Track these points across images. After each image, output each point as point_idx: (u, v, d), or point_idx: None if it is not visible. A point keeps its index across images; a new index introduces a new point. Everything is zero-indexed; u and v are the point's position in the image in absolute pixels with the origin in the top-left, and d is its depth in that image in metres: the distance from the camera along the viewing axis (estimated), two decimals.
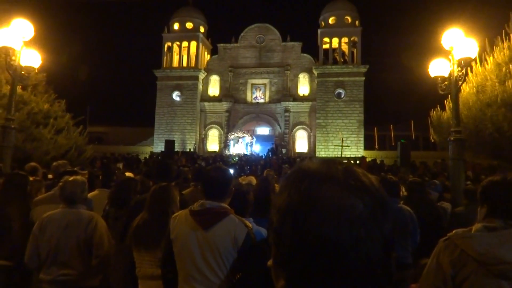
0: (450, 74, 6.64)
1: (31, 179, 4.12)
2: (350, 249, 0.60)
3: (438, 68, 6.96)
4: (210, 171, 2.45)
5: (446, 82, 6.79)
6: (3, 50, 7.04)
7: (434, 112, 12.29)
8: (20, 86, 8.27)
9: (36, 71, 7.93)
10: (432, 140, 13.63)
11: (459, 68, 6.44)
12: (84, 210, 3.18)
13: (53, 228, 3.05)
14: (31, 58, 7.30)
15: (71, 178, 3.20)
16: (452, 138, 6.40)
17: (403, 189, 5.40)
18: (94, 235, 3.08)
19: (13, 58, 6.99)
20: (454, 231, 1.78)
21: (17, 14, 7.40)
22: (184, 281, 2.24)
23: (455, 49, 6.49)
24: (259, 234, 2.41)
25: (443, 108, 11.53)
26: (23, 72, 7.17)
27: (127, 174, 6.24)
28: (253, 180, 5.51)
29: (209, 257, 2.18)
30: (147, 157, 23.93)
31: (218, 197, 2.31)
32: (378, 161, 20.84)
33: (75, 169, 5.29)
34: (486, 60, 9.36)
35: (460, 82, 6.56)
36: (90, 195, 3.99)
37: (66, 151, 12.02)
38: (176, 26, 35.01)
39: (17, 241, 3.46)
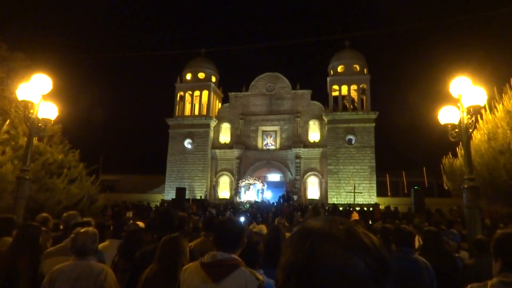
0: (460, 122, 6.67)
1: (44, 229, 4.14)
2: None
3: (447, 115, 7.01)
4: (223, 222, 2.46)
5: (456, 129, 6.81)
6: (22, 103, 7.31)
7: (446, 159, 12.21)
8: (36, 138, 8.51)
9: (52, 122, 8.19)
10: (446, 188, 13.43)
11: (469, 116, 6.47)
12: (94, 262, 3.17)
13: (63, 281, 3.02)
14: (48, 111, 7.55)
15: (82, 230, 3.22)
16: (465, 186, 6.31)
17: (419, 239, 5.27)
18: (104, 287, 3.05)
19: (31, 111, 7.24)
20: (469, 286, 1.74)
21: (37, 68, 7.78)
22: None
23: (464, 97, 6.56)
24: (269, 286, 2.37)
25: (455, 155, 11.47)
26: (40, 124, 7.40)
27: (138, 223, 6.23)
28: (263, 228, 5.44)
29: None
30: (158, 205, 23.89)
31: (230, 249, 2.31)
32: (392, 208, 20.46)
33: (85, 219, 5.30)
34: (496, 108, 9.41)
35: (470, 130, 6.57)
36: (100, 246, 3.98)
37: (79, 201, 12.11)
38: (188, 76, 36.17)
39: None
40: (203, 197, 30.16)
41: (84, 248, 3.13)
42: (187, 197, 25.62)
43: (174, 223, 3.97)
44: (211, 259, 2.26)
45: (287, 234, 5.40)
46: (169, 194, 30.85)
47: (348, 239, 0.67)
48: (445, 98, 7.43)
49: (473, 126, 6.55)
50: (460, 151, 10.14)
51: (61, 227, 5.99)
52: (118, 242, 4.47)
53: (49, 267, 3.29)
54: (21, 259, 3.55)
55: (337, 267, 0.63)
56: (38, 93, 7.27)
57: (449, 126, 6.94)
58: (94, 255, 3.27)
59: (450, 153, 11.85)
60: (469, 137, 6.81)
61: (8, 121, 10.35)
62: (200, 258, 2.36)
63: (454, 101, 6.90)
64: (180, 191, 22.03)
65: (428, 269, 3.88)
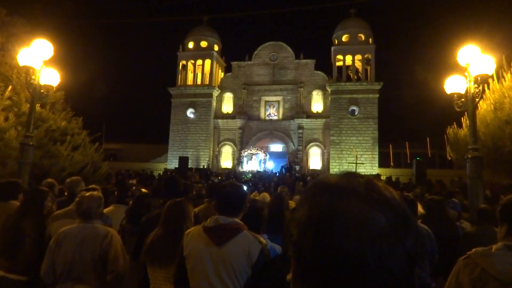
0: (466, 91, 6.59)
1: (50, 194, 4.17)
2: (371, 264, 0.59)
3: (454, 85, 6.91)
4: (225, 186, 2.46)
5: (462, 99, 6.73)
6: (24, 69, 7.25)
7: (451, 129, 12.14)
8: (39, 104, 8.48)
9: (55, 89, 8.14)
10: (449, 158, 13.43)
11: (476, 85, 6.38)
12: (100, 225, 3.21)
13: (69, 243, 3.08)
14: (50, 77, 7.49)
15: (87, 194, 3.25)
16: (469, 156, 6.30)
17: (420, 208, 5.31)
18: (109, 250, 3.10)
19: (33, 77, 7.18)
20: (474, 250, 1.75)
21: (38, 34, 7.65)
22: None
23: (471, 66, 6.45)
24: (273, 250, 2.39)
25: (460, 125, 11.39)
26: (42, 91, 7.36)
27: (142, 190, 6.29)
28: (267, 197, 5.49)
29: (223, 274, 2.16)
30: (161, 173, 24.09)
31: (232, 213, 2.31)
32: (393, 179, 20.57)
33: (92, 187, 5.35)
34: (503, 77, 9.26)
35: (477, 99, 6.49)
36: (105, 210, 4.03)
37: (82, 168, 12.20)
38: (191, 44, 35.64)
39: (31, 256, 3.50)
40: (205, 167, 30.38)
41: (90, 212, 3.16)
42: (189, 166, 25.82)
43: (179, 188, 4.00)
44: (213, 223, 2.27)
45: (290, 202, 5.46)
46: (172, 163, 31.08)
47: (368, 193, 0.64)
48: (452, 67, 7.32)
49: (479, 96, 6.47)
50: (465, 121, 10.07)
51: (66, 193, 6.07)
52: (123, 207, 4.53)
53: (56, 229, 3.34)
54: (27, 222, 3.60)
55: (357, 222, 0.61)
56: (39, 59, 7.19)
57: (455, 95, 6.87)
58: (100, 219, 3.31)
59: (454, 123, 11.76)
60: (475, 106, 6.74)
61: (10, 87, 10.30)
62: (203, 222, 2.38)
63: (461, 70, 6.78)
64: (183, 160, 22.18)
65: (429, 236, 3.92)
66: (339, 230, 0.61)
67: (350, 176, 0.69)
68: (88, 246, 3.08)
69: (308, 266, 0.64)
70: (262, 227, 2.77)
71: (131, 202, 4.35)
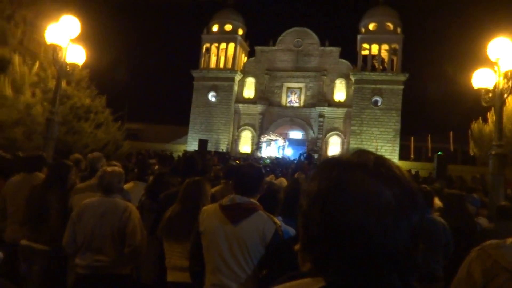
0: (495, 86, 6.41)
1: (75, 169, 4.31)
2: (376, 236, 0.61)
3: (482, 79, 6.73)
4: (243, 166, 2.50)
5: (490, 94, 6.55)
6: (51, 47, 7.40)
7: (476, 124, 11.84)
8: (64, 81, 8.66)
9: (80, 67, 8.29)
10: (472, 154, 13.13)
11: (506, 80, 6.20)
12: (120, 200, 3.31)
13: (90, 215, 3.19)
14: (76, 55, 7.62)
15: (109, 169, 3.34)
16: (493, 152, 6.17)
17: (437, 201, 5.26)
18: (128, 224, 3.19)
19: (60, 54, 7.33)
20: (488, 242, 1.74)
21: (65, 11, 7.77)
22: (211, 273, 2.29)
23: (502, 60, 6.26)
24: (287, 232, 2.43)
25: (485, 120, 11.10)
26: (68, 68, 7.51)
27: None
28: (284, 181, 5.53)
29: (237, 252, 2.22)
30: (180, 155, 24.36)
31: (249, 193, 2.35)
32: (413, 172, 20.29)
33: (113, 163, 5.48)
34: None
35: (505, 95, 6.31)
36: (125, 187, 4.13)
37: (105, 145, 12.48)
38: (215, 28, 35.56)
39: (55, 227, 3.64)
40: (224, 150, 30.54)
41: (111, 186, 3.26)
42: (209, 149, 26.00)
43: (197, 167, 4.07)
44: (230, 201, 2.31)
45: None
46: (192, 145, 31.38)
47: (377, 168, 0.66)
48: (481, 61, 7.10)
49: (509, 91, 6.29)
50: (491, 116, 9.82)
51: (87, 168, 6.24)
52: (142, 184, 4.65)
53: (78, 201, 3.46)
54: (52, 194, 3.75)
55: (363, 194, 0.63)
56: (66, 37, 7.32)
57: (483, 90, 6.68)
58: (120, 193, 3.41)
59: (480, 118, 11.46)
60: (503, 102, 6.56)
61: (37, 64, 10.54)
62: None
63: (491, 64, 6.58)
64: (203, 143, 22.35)
65: (445, 230, 3.89)
66: (346, 202, 0.63)
67: (361, 153, 0.71)
68: (107, 219, 3.18)
69: (315, 236, 0.66)
70: (277, 209, 2.81)
71: (150, 179, 4.46)
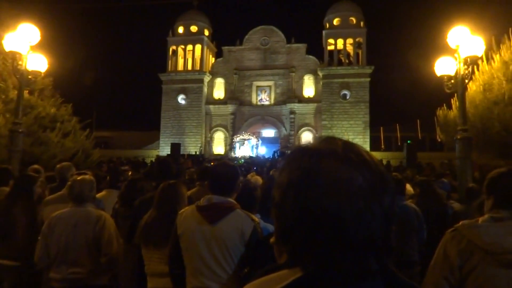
0: (456, 73, 6.62)
1: (40, 179, 4.16)
2: (350, 221, 0.61)
3: (444, 66, 6.95)
4: (217, 166, 2.48)
5: (452, 81, 6.78)
6: (10, 54, 7.13)
7: (441, 111, 12.22)
8: (27, 91, 8.36)
9: (43, 75, 8.00)
10: (439, 140, 13.54)
11: (466, 66, 6.42)
12: (92, 209, 3.22)
13: (62, 227, 3.08)
14: (38, 63, 7.37)
15: (79, 177, 3.24)
16: (459, 137, 6.38)
17: (409, 188, 5.40)
18: (103, 233, 3.11)
19: (20, 62, 7.06)
20: (461, 222, 1.79)
21: (24, 19, 7.50)
22: (192, 276, 2.26)
23: (461, 47, 6.48)
24: (266, 229, 2.42)
25: (449, 107, 11.47)
26: (30, 77, 7.25)
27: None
28: (259, 179, 5.52)
29: (217, 252, 2.20)
30: (153, 160, 24.01)
31: (225, 192, 2.33)
32: (384, 162, 20.76)
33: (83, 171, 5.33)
34: (493, 58, 9.31)
35: (466, 81, 6.55)
36: (98, 195, 4.02)
37: (73, 155, 12.10)
38: (180, 29, 35.21)
39: (23, 242, 3.50)
40: (198, 153, 30.31)
41: (82, 195, 3.16)
42: (182, 152, 25.72)
43: (172, 171, 4.00)
44: (206, 202, 2.29)
45: None
46: (164, 150, 30.99)
47: (346, 154, 0.66)
48: (442, 49, 7.34)
49: (469, 77, 6.52)
50: (455, 102, 10.15)
51: (57, 179, 6.04)
52: (115, 192, 4.53)
53: (49, 214, 3.34)
54: (17, 207, 3.60)
55: (335, 181, 0.63)
56: (26, 44, 7.06)
57: (445, 77, 6.91)
58: (92, 202, 3.32)
59: (444, 105, 11.84)
60: (465, 88, 6.80)
61: None
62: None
63: (451, 52, 6.81)
64: (175, 147, 22.10)
65: (417, 215, 4.00)
66: (318, 189, 0.63)
67: (329, 140, 0.71)
68: (81, 229, 3.09)
69: (289, 226, 0.66)
70: (255, 207, 2.80)
71: (123, 186, 4.36)
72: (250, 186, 2.84)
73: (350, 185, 0.62)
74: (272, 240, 0.75)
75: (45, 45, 8.48)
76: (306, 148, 0.70)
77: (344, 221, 0.61)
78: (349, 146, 0.68)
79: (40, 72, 7.53)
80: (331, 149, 0.67)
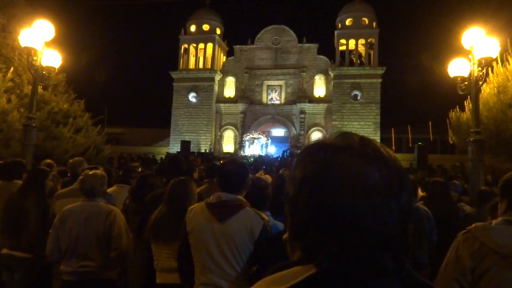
0: (470, 74, 6.53)
1: (52, 173, 4.21)
2: (366, 217, 0.60)
3: (457, 68, 6.86)
4: (227, 164, 2.47)
5: (466, 82, 6.68)
6: (26, 50, 7.20)
7: (453, 113, 12.08)
8: (41, 86, 8.46)
9: (57, 71, 8.09)
10: (451, 142, 13.38)
11: (480, 68, 6.32)
12: (103, 203, 3.24)
13: (73, 220, 3.11)
14: (52, 59, 7.45)
15: (91, 172, 3.27)
16: (471, 139, 6.29)
17: (420, 190, 5.34)
18: (113, 228, 3.13)
19: (35, 58, 7.14)
20: (473, 225, 1.76)
21: (39, 15, 7.59)
22: (200, 272, 2.26)
23: (476, 49, 6.38)
24: (275, 227, 2.42)
25: (462, 109, 11.33)
26: (44, 72, 7.33)
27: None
28: (268, 178, 5.51)
29: (225, 249, 2.19)
30: (163, 157, 24.15)
31: (234, 190, 2.33)
32: None
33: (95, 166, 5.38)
34: (508, 61, 9.17)
35: (480, 82, 6.44)
36: (108, 190, 4.05)
37: (85, 150, 12.24)
38: (193, 28, 35.31)
39: (34, 234, 3.54)
40: (207, 151, 30.40)
41: (93, 190, 3.19)
42: (191, 150, 25.82)
43: (183, 167, 4.01)
44: (216, 199, 2.29)
45: None
46: (174, 148, 31.11)
47: (363, 148, 0.65)
48: (456, 50, 7.25)
49: (483, 79, 6.42)
50: (468, 105, 10.02)
51: (69, 174, 6.11)
52: (126, 187, 4.56)
53: (61, 207, 3.37)
54: (29, 200, 3.65)
55: (350, 176, 0.61)
56: (41, 40, 7.13)
57: (459, 79, 6.82)
58: (103, 197, 3.34)
59: (457, 107, 11.70)
60: (479, 90, 6.70)
61: (12, 69, 10.25)
62: None
63: (465, 54, 6.72)
64: (185, 144, 22.15)
65: (429, 217, 3.95)
66: (333, 185, 0.62)
67: (345, 135, 0.70)
68: (92, 223, 3.11)
69: (303, 222, 0.65)
70: (265, 205, 2.79)
71: (134, 182, 4.38)
72: (261, 184, 2.82)
73: (367, 181, 0.61)
74: (285, 236, 0.74)
75: (59, 41, 8.59)
76: (322, 143, 0.69)
77: (360, 217, 0.60)
78: (366, 141, 0.67)
79: (54, 68, 7.61)
80: (347, 144, 0.66)
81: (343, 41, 32.38)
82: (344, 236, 0.61)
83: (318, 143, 0.70)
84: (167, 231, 2.83)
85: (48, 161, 5.82)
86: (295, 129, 32.95)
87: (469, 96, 7.48)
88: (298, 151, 29.55)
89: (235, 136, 33.91)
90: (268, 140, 30.12)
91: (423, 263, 3.84)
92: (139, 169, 5.84)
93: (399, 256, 0.64)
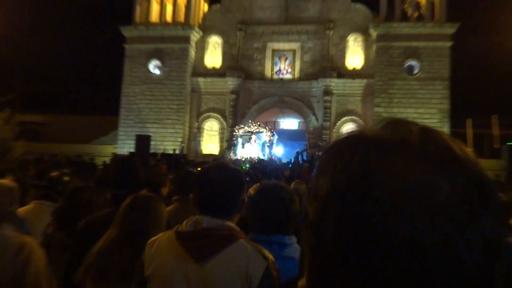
0: None
1: None
2: (431, 253, 0.60)
3: None
4: (209, 170, 2.46)
5: None
6: None
7: None
8: None
9: None
10: None
11: None
12: (11, 232, 3.22)
13: None
14: None
15: None
16: None
17: None
18: (26, 271, 3.11)
19: None
20: None
21: None
22: None
23: None
24: (283, 269, 2.41)
25: None
26: None
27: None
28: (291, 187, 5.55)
29: None
30: (108, 161, 24.23)
31: (222, 212, 2.33)
32: None
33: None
34: None
35: None
36: (22, 210, 4.03)
37: None
38: None
39: None
40: (178, 152, 30.49)
41: None
42: (152, 151, 25.92)
43: (138, 177, 4.01)
44: (192, 227, 2.28)
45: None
46: (125, 146, 31.33)
47: (426, 146, 0.64)
48: None
49: None
50: None
51: None
52: (49, 206, 4.56)
53: None
54: None
55: (407, 189, 0.61)
56: None
57: None
58: (11, 222, 3.33)
59: None
60: None
61: None
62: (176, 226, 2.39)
63: None
64: (142, 141, 22.27)
65: None
66: (379, 203, 0.61)
67: (397, 124, 0.70)
68: None
69: (331, 259, 0.65)
70: (288, 228, 2.82)
71: (61, 199, 4.38)
72: (282, 196, 2.83)
73: (432, 196, 0.61)
74: (301, 283, 0.74)
75: None
76: (360, 136, 0.70)
77: (422, 253, 0.59)
78: (430, 135, 0.67)
79: None
80: (401, 139, 0.66)
81: None
82: (396, 281, 0.60)
83: (355, 136, 0.71)
84: (115, 270, 2.83)
85: None
86: (316, 119, 33.20)
87: None
88: (321, 153, 29.60)
89: (221, 128, 34.14)
90: (273, 135, 30.23)
91: None
92: (69, 179, 5.85)
93: None
